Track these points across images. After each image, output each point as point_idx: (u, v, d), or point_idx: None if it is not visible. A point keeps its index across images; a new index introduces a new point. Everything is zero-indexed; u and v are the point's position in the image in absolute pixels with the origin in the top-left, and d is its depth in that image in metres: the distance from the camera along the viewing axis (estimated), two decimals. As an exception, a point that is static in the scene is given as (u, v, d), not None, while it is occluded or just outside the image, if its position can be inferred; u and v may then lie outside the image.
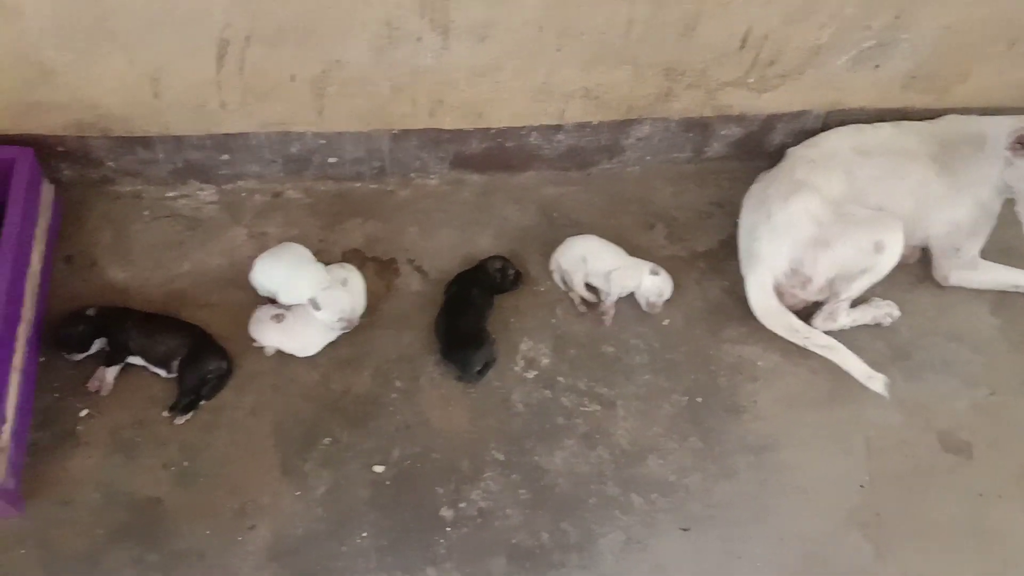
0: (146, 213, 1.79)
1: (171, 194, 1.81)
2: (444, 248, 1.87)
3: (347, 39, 1.49)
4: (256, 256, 1.73)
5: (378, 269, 1.80)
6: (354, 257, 1.82)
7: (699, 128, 1.89)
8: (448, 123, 1.74)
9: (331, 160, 1.80)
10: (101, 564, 1.42)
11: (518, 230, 1.92)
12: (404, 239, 1.87)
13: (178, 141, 1.66)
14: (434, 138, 1.78)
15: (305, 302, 1.62)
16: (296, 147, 1.74)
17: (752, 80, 1.77)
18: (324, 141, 1.74)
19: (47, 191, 1.66)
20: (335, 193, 1.89)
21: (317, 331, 1.64)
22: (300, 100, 1.62)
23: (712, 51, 1.68)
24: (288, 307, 1.65)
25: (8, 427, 1.41)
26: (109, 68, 1.45)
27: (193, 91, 1.55)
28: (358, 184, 1.90)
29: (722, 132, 1.92)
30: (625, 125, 1.86)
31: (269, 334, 1.62)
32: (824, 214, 1.75)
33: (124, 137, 1.63)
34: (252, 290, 1.72)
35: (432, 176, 1.92)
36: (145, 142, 1.66)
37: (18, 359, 1.47)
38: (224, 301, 1.71)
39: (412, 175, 1.90)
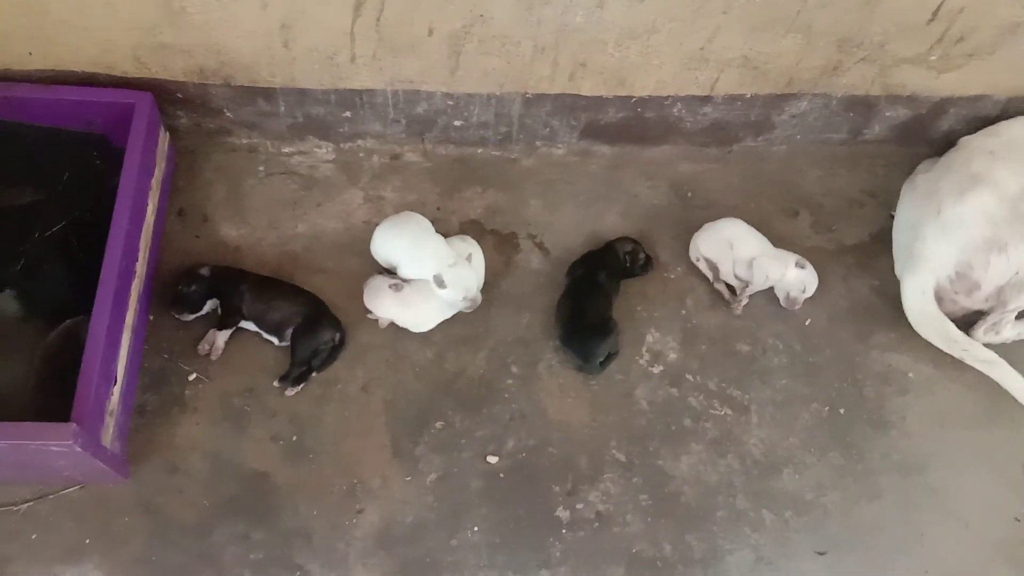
0: (261, 169, 1.70)
1: (287, 150, 1.71)
2: (568, 224, 1.73)
3: (495, -9, 1.35)
4: (372, 222, 1.64)
5: (497, 243, 1.68)
6: (472, 228, 1.70)
7: (862, 107, 1.69)
8: (587, 89, 1.59)
9: (456, 123, 1.67)
10: (208, 538, 1.37)
11: (648, 209, 1.77)
12: (526, 212, 1.73)
13: (301, 94, 1.56)
14: (569, 104, 1.63)
15: (429, 278, 1.51)
16: (423, 107, 1.62)
17: (934, 58, 1.56)
18: (452, 103, 1.61)
19: (163, 139, 1.58)
20: (455, 158, 1.76)
21: (436, 307, 1.54)
22: (435, 57, 1.48)
23: (896, 22, 1.47)
24: (407, 279, 1.54)
25: (118, 388, 1.35)
26: (241, 12, 1.35)
27: (325, 42, 1.43)
28: (480, 150, 1.77)
29: (887, 113, 1.72)
30: (781, 100, 1.67)
31: (385, 305, 1.52)
32: (1001, 213, 1.56)
33: (246, 87, 1.53)
34: (368, 258, 1.62)
35: (559, 145, 1.77)
36: (267, 93, 1.55)
37: (130, 317, 1.41)
38: (338, 268, 1.62)
39: (538, 143, 1.76)
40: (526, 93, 1.60)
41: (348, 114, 1.62)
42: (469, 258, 1.54)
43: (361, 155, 1.73)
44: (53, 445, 1.15)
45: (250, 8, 1.35)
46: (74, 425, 1.15)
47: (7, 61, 1.43)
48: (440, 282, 1.49)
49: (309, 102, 1.58)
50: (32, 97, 1.47)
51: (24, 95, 1.46)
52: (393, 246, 1.55)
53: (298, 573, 1.37)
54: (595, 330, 1.54)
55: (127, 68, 1.47)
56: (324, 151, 1.72)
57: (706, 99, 1.66)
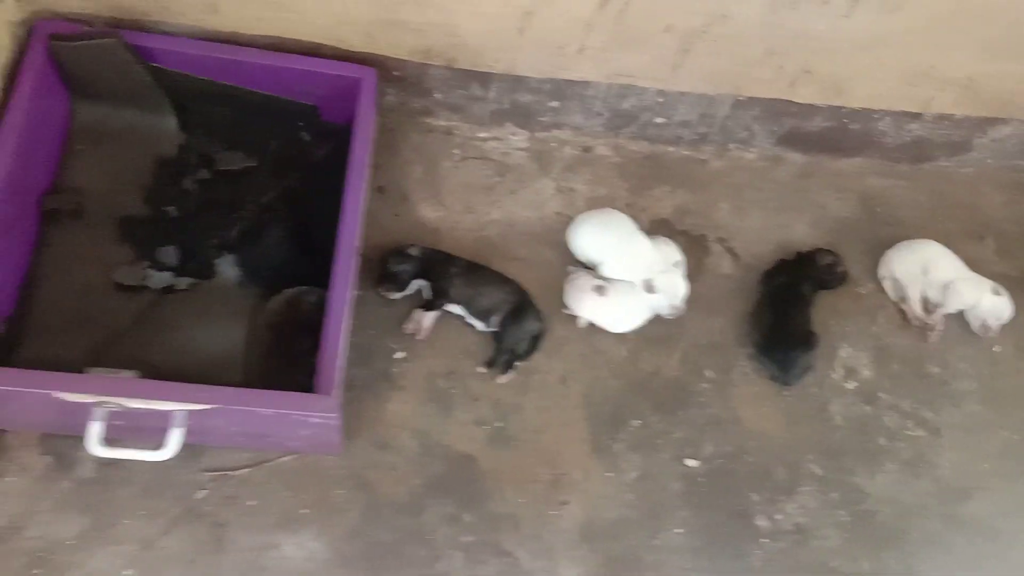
0: (456, 152, 1.69)
1: (483, 135, 1.71)
2: (756, 230, 1.72)
3: (748, -7, 1.34)
4: (564, 214, 1.64)
5: (687, 245, 1.67)
6: (663, 228, 1.69)
7: (1064, 137, 1.67)
8: (803, 95, 1.58)
9: (657, 120, 1.66)
10: (419, 516, 1.38)
11: (836, 221, 1.76)
12: (715, 215, 1.72)
13: (517, 81, 1.55)
14: (780, 110, 1.62)
15: (635, 281, 1.50)
16: (631, 102, 1.61)
17: None
18: (662, 100, 1.60)
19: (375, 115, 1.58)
20: (646, 155, 1.75)
21: (638, 309, 1.54)
22: (662, 54, 1.47)
23: None
24: (609, 279, 1.54)
25: (339, 363, 1.35)
26: (490, -6, 1.34)
27: (560, 31, 1.43)
28: (671, 148, 1.76)
29: (1089, 145, 1.69)
30: (987, 123, 1.66)
31: (587, 305, 1.52)
32: None
33: (466, 70, 1.52)
34: (561, 249, 1.62)
35: (752, 149, 1.76)
36: (483, 78, 1.55)
37: (348, 292, 1.41)
38: (533, 257, 1.62)
39: (731, 146, 1.75)
40: (739, 95, 1.59)
41: (555, 104, 1.62)
42: (677, 265, 1.53)
43: (554, 145, 1.73)
44: (314, 416, 1.15)
45: (500, -8, 1.34)
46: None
47: (236, 25, 1.42)
48: (650, 287, 1.49)
49: (521, 89, 1.58)
50: (258, 63, 1.46)
51: (251, 60, 1.45)
52: (598, 244, 1.55)
53: (507, 559, 1.37)
54: (798, 342, 1.53)
55: (354, 42, 1.46)
56: (518, 139, 1.72)
57: (916, 116, 1.64)
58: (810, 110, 1.62)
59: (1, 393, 1.12)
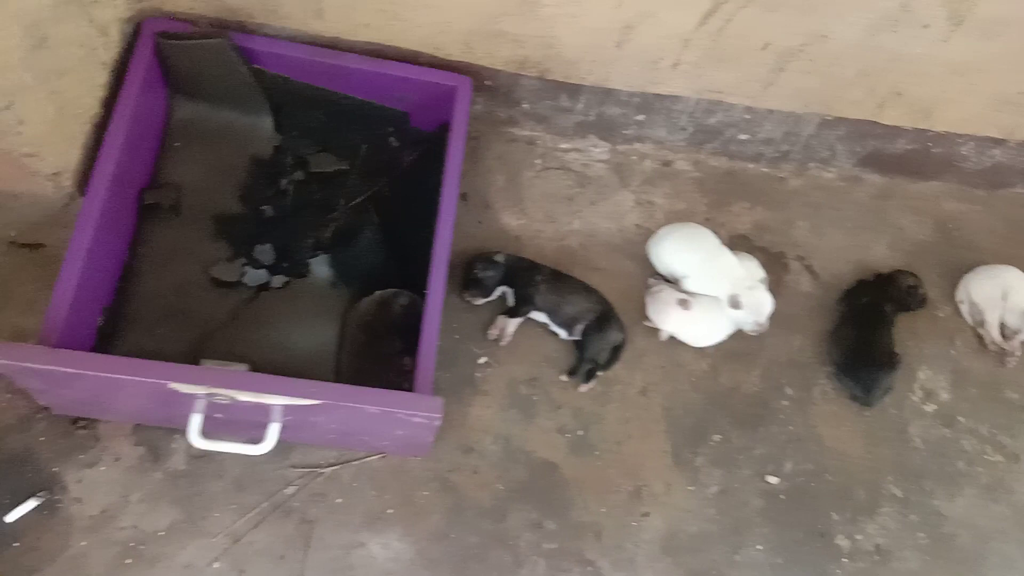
0: (537, 162, 1.71)
1: (564, 145, 1.72)
2: (834, 250, 1.72)
3: (849, 14, 1.35)
4: (644, 227, 1.65)
5: (766, 261, 1.67)
6: (742, 244, 1.69)
7: None
8: (890, 118, 1.58)
9: (742, 137, 1.67)
10: (503, 522, 1.38)
11: (913, 244, 1.76)
12: (793, 233, 1.73)
13: (606, 94, 1.56)
14: (865, 131, 1.62)
15: (721, 296, 1.51)
16: (717, 118, 1.62)
17: None
18: (749, 116, 1.61)
19: (464, 124, 1.59)
20: (725, 171, 1.76)
21: (720, 325, 1.54)
22: (756, 71, 1.49)
23: None
24: (692, 293, 1.54)
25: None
26: (593, 8, 1.36)
27: (657, 45, 1.44)
28: (751, 165, 1.77)
29: None
30: (1070, 151, 1.65)
31: (671, 319, 1.52)
32: None
33: (558, 81, 1.54)
34: (641, 261, 1.63)
35: (831, 169, 1.77)
36: (573, 90, 1.56)
37: (443, 297, 1.42)
38: (613, 268, 1.63)
39: (811, 165, 1.76)
40: (826, 115, 1.60)
41: (641, 117, 1.63)
42: (763, 281, 1.54)
43: (634, 158, 1.74)
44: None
45: (604, 5, 1.36)
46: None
47: (339, 30, 1.45)
48: (736, 303, 1.49)
49: (609, 102, 1.59)
50: (357, 68, 1.48)
51: (351, 66, 1.47)
52: (683, 259, 1.55)
53: (589, 568, 1.37)
54: (881, 362, 1.53)
55: (452, 51, 1.48)
56: (599, 150, 1.73)
57: (999, 142, 1.64)
58: (895, 132, 1.63)
59: (111, 381, 1.13)
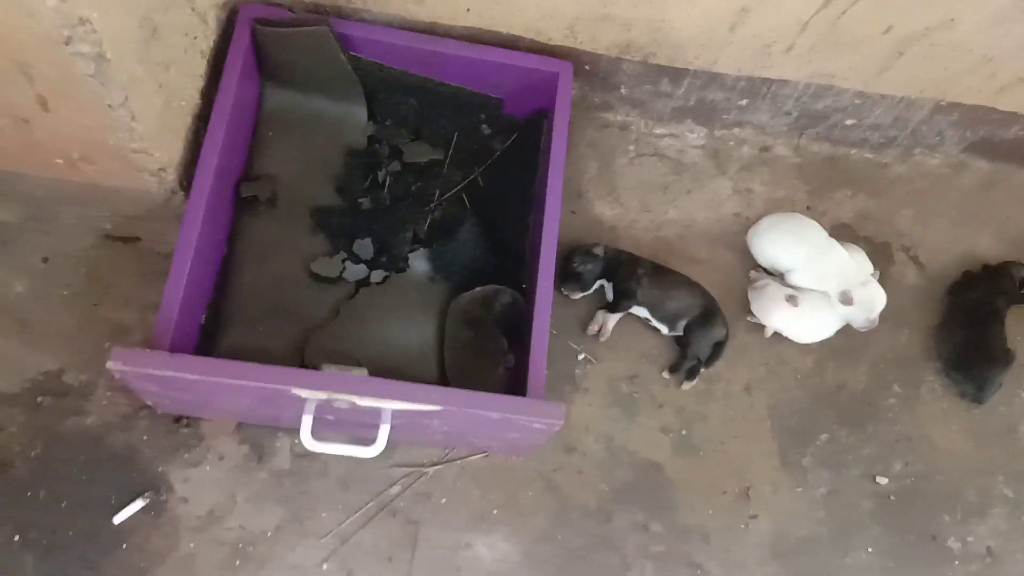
0: (631, 148, 1.65)
1: (659, 131, 1.66)
2: (940, 240, 1.66)
3: (983, -2, 1.27)
4: (743, 215, 1.60)
5: (870, 252, 1.61)
6: (845, 234, 1.63)
7: None
8: (1008, 103, 1.51)
9: (848, 122, 1.60)
10: (609, 524, 1.36)
11: (1020, 233, 1.68)
12: (898, 222, 1.66)
13: (711, 79, 1.50)
14: (980, 117, 1.55)
15: (831, 292, 1.45)
16: (825, 103, 1.55)
17: None
18: (860, 101, 1.53)
19: (560, 110, 1.53)
20: (826, 156, 1.69)
21: (829, 321, 1.48)
22: (874, 56, 1.41)
23: None
24: (799, 288, 1.49)
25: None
26: (715, -11, 1.28)
27: (772, 30, 1.37)
28: (853, 151, 1.69)
29: None
30: None
31: (777, 316, 1.47)
32: None
33: (662, 66, 1.48)
34: (740, 252, 1.57)
35: (937, 155, 1.69)
36: (677, 74, 1.50)
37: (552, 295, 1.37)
38: (711, 260, 1.57)
39: (916, 151, 1.68)
40: (941, 100, 1.52)
41: (744, 102, 1.56)
42: (873, 275, 1.48)
43: (731, 143, 1.67)
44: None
45: (727, -14, 1.29)
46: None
47: (440, 15, 1.39)
48: (847, 300, 1.44)
49: (714, 86, 1.53)
50: (457, 55, 1.42)
51: (451, 52, 1.42)
52: (789, 252, 1.49)
53: (698, 572, 1.35)
54: (995, 359, 1.48)
55: (554, 35, 1.42)
56: (695, 136, 1.67)
57: (1120, 129, 1.55)
58: (1011, 118, 1.55)
59: (234, 386, 1.11)
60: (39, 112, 1.03)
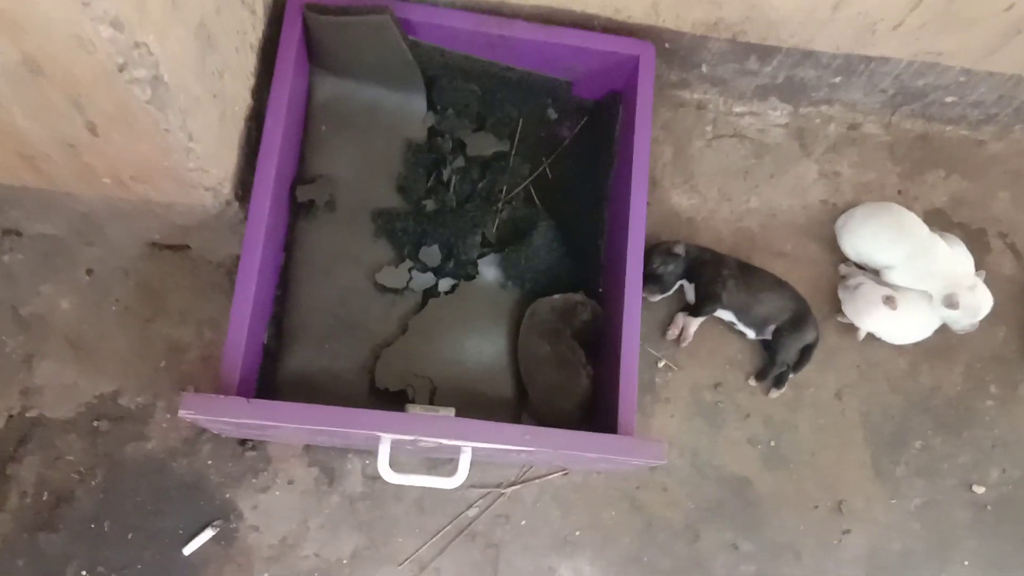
0: (708, 129, 1.52)
1: (739, 109, 1.52)
2: (1040, 226, 1.54)
3: None
4: (830, 202, 1.48)
5: (966, 240, 1.49)
6: (938, 219, 1.51)
7: None
8: None
9: (948, 99, 1.46)
10: (696, 543, 1.30)
11: None
12: (994, 206, 1.54)
13: (806, 56, 1.36)
14: (1096, 95, 1.40)
15: (933, 293, 1.34)
16: (927, 80, 1.41)
17: None
18: (964, 79, 1.40)
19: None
20: (918, 134, 1.56)
21: (926, 322, 1.38)
22: (989, 34, 1.27)
23: None
24: (896, 287, 1.38)
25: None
26: (817, -31, 1.14)
27: (881, 7, 1.23)
28: (948, 128, 1.56)
29: None
30: None
31: (873, 318, 1.37)
32: None
33: (751, 44, 1.34)
34: (826, 243, 1.47)
35: (1038, 132, 1.55)
36: (766, 52, 1.36)
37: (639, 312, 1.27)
38: (798, 253, 1.47)
39: (1016, 128, 1.55)
40: (1055, 77, 1.38)
41: (838, 80, 1.43)
42: (981, 276, 1.37)
43: (817, 122, 1.54)
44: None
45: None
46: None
47: (505, -7, 1.25)
48: (953, 304, 1.33)
49: (806, 64, 1.39)
50: (528, 38, 1.29)
51: (521, 35, 1.28)
52: (887, 249, 1.38)
53: (790, 592, 1.29)
54: (1105, 361, 1.37)
55: (635, 13, 1.28)
56: (778, 114, 1.53)
57: None
58: None
59: (316, 431, 1.03)
60: (88, 137, 0.92)
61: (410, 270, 1.28)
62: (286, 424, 0.98)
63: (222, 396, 0.97)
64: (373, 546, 1.24)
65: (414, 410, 1.07)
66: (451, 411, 1.07)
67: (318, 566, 1.22)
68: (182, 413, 0.97)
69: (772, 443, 1.36)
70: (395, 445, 1.15)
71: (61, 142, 0.94)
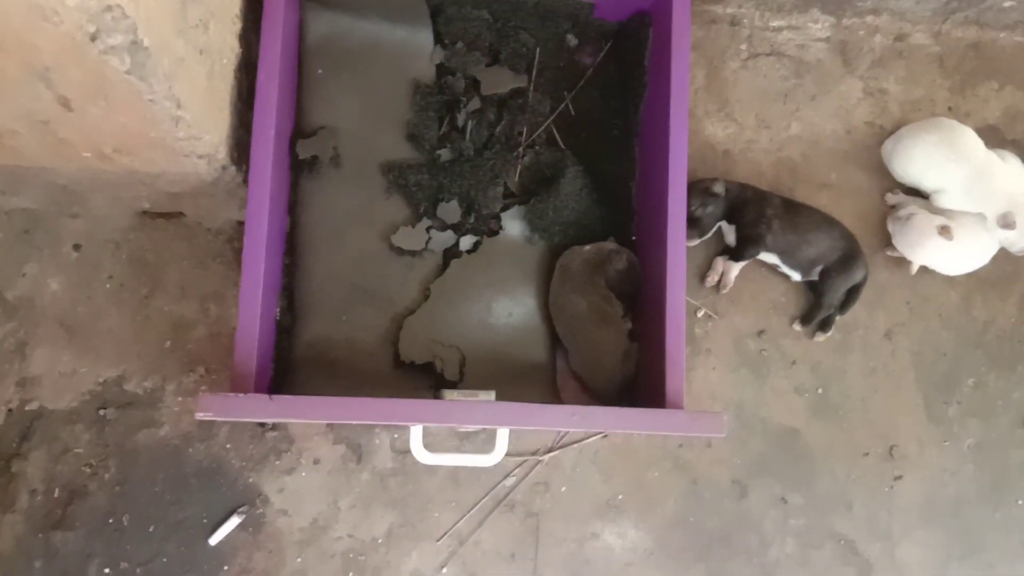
0: (743, 47, 1.38)
1: (776, 23, 1.38)
2: (1100, 140, 1.42)
3: None
4: (876, 124, 1.36)
5: (1021, 156, 1.38)
6: (990, 136, 1.39)
7: None
8: None
9: (1007, 3, 1.32)
10: (743, 500, 1.25)
11: None
12: (1052, 120, 1.42)
13: (855, -39, 1.20)
14: None
15: (988, 215, 1.24)
16: (989, -15, 1.26)
17: None
18: (1031, -20, 1.25)
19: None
20: (970, 43, 1.42)
21: (983, 249, 1.29)
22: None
23: None
24: (949, 212, 1.28)
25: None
26: None
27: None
28: (1002, 34, 1.42)
29: None
30: None
31: (927, 251, 1.27)
32: None
33: (796, -50, 1.18)
34: (873, 170, 1.35)
35: (1103, 35, 1.41)
36: (812, -42, 1.20)
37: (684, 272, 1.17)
38: (843, 183, 1.36)
39: (1079, 30, 1.40)
40: None
41: (891, -12, 1.27)
42: (1042, 192, 1.26)
43: (861, 33, 1.40)
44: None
45: None
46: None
47: (518, -96, 1.08)
48: (1009, 223, 1.23)
49: (855, -28, 1.23)
50: (542, -44, 1.13)
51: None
52: (942, 171, 1.27)
53: (842, 543, 1.25)
54: None
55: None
56: (819, 26, 1.38)
57: None
58: None
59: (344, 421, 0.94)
60: (61, 112, 0.79)
61: (428, 229, 1.17)
62: (315, 420, 0.89)
63: (241, 395, 0.88)
64: (408, 523, 1.18)
65: (451, 396, 0.98)
66: (491, 395, 0.98)
67: (352, 547, 1.17)
68: (199, 415, 0.88)
69: (820, 391, 1.28)
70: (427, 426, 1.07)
71: (30, 119, 0.81)
